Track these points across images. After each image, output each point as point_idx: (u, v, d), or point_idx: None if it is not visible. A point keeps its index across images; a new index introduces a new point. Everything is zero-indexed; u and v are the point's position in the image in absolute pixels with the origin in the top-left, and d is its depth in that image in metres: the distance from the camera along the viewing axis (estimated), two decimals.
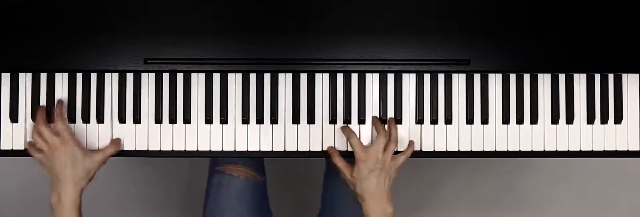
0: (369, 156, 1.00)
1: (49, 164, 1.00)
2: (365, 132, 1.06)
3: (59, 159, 0.99)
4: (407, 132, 1.06)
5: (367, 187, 0.99)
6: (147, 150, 1.06)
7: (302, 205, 1.75)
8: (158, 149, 1.06)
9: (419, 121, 1.06)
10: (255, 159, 1.22)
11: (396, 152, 1.04)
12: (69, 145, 0.99)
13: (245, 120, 1.06)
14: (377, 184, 0.99)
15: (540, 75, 1.07)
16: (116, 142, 1.04)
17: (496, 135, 1.07)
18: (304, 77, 1.06)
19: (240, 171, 1.18)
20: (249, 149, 1.06)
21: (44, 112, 1.03)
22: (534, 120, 1.07)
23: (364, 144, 1.04)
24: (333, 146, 1.06)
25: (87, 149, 1.03)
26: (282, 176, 1.77)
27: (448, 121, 1.06)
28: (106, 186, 1.79)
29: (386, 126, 1.05)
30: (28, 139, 1.05)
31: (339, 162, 1.03)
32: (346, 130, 1.04)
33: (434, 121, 1.06)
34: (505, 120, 1.07)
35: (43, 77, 1.06)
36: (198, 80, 1.06)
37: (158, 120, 1.06)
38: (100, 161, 1.02)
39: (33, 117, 1.05)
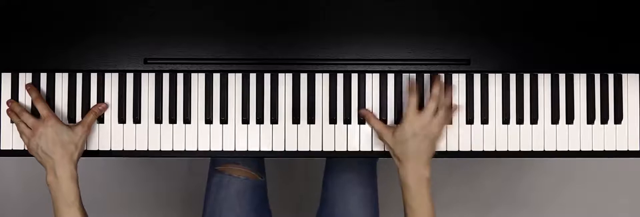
0: (418, 119, 0.98)
1: (37, 146, 0.99)
2: (365, 132, 1.06)
3: (44, 137, 0.98)
4: None
5: (406, 149, 0.97)
6: (147, 150, 1.06)
7: (301, 205, 1.75)
8: (158, 149, 1.06)
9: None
10: (255, 159, 1.22)
11: None
12: (49, 121, 0.99)
13: (245, 120, 1.06)
14: (418, 148, 0.97)
15: (540, 75, 1.07)
16: (95, 109, 1.03)
17: (496, 135, 1.07)
18: (304, 77, 1.06)
19: (240, 171, 1.18)
20: (249, 149, 1.06)
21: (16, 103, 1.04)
22: (534, 120, 1.07)
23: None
24: (367, 108, 1.04)
25: (67, 123, 1.02)
26: (282, 175, 1.77)
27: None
28: (106, 186, 1.79)
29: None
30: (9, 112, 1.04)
31: (377, 124, 1.02)
32: (412, 87, 1.01)
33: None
34: (505, 120, 1.07)
35: (43, 77, 1.06)
36: (198, 80, 1.06)
37: (158, 120, 1.06)
38: (84, 131, 1.01)
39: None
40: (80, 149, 1.01)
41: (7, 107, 1.04)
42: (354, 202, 1.18)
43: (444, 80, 1.05)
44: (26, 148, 1.02)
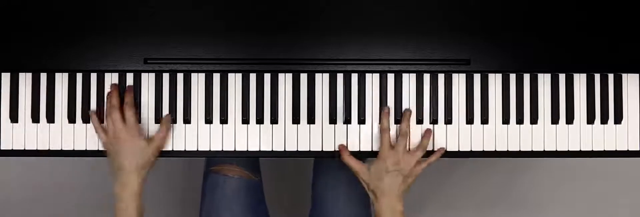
0: (390, 156, 1.00)
1: (114, 152, 1.00)
2: (365, 132, 1.06)
3: (125, 149, 0.99)
4: None
5: (381, 186, 1.00)
6: None
7: (297, 204, 1.75)
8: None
9: (419, 121, 1.06)
10: (251, 159, 1.22)
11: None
12: (136, 138, 1.00)
13: (245, 120, 1.06)
14: (391, 185, 1.00)
15: (540, 75, 1.07)
16: (165, 121, 1.03)
17: (496, 135, 1.07)
18: (304, 77, 1.06)
19: (235, 171, 1.18)
20: (249, 149, 1.06)
21: (117, 96, 1.03)
22: (534, 120, 1.07)
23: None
24: (343, 144, 1.06)
25: (147, 138, 1.03)
26: (278, 175, 1.77)
27: (448, 121, 1.06)
28: (106, 185, 1.79)
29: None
30: (92, 114, 1.04)
31: (350, 160, 1.03)
32: (384, 123, 1.03)
33: (434, 121, 1.06)
34: (505, 120, 1.07)
35: (43, 77, 1.06)
36: (198, 80, 1.06)
37: (158, 120, 1.06)
38: (159, 147, 1.02)
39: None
40: (152, 164, 1.02)
41: (91, 112, 1.04)
42: (343, 201, 1.19)
43: (411, 117, 1.06)
44: (103, 147, 1.03)
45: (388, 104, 1.06)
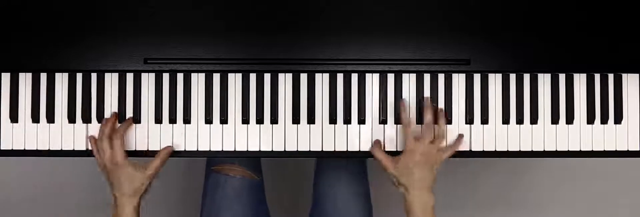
0: (417, 148, 0.99)
1: (107, 175, 1.02)
2: (365, 132, 1.06)
3: (116, 177, 1.01)
4: None
5: (411, 179, 0.99)
6: (148, 150, 1.06)
7: (298, 204, 1.75)
8: (158, 149, 1.06)
9: (419, 121, 1.06)
10: (252, 159, 1.22)
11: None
12: (124, 167, 1.00)
13: (245, 120, 1.06)
14: (422, 177, 0.99)
15: (540, 75, 1.07)
16: (162, 154, 1.04)
17: (496, 135, 1.07)
18: (304, 77, 1.06)
19: (236, 171, 1.18)
20: (249, 149, 1.06)
21: (112, 126, 1.03)
22: (534, 120, 1.07)
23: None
24: (379, 139, 1.05)
25: (138, 164, 1.02)
26: (279, 175, 1.77)
27: (448, 121, 1.06)
28: (106, 186, 1.79)
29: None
30: (91, 139, 1.05)
31: (380, 154, 1.02)
32: (404, 117, 1.03)
33: (434, 121, 1.06)
34: (505, 120, 1.07)
35: (43, 77, 1.06)
36: (198, 80, 1.06)
37: (158, 120, 1.06)
38: (151, 176, 1.03)
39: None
40: (145, 188, 1.03)
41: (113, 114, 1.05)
42: (344, 201, 1.19)
43: (434, 104, 1.05)
44: (98, 165, 1.04)
45: (388, 104, 1.06)
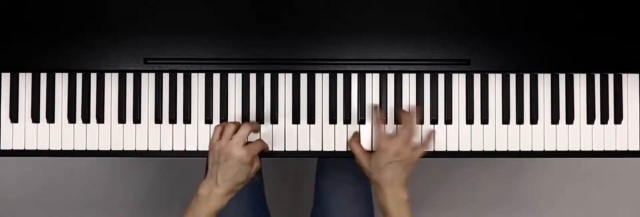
0: (390, 147, 0.98)
1: (216, 161, 0.96)
2: (365, 132, 1.06)
3: (230, 167, 0.95)
4: None
5: (383, 176, 0.98)
6: (147, 150, 1.06)
7: (298, 204, 1.75)
8: (158, 149, 1.06)
9: (419, 120, 1.06)
10: None
11: None
12: (248, 165, 0.96)
13: (245, 120, 1.06)
14: (394, 175, 0.98)
15: (540, 75, 1.07)
16: (262, 145, 1.00)
17: (496, 135, 1.07)
18: (304, 77, 1.06)
19: None
20: None
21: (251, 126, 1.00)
22: (534, 120, 1.07)
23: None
24: (357, 131, 1.05)
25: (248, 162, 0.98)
26: (279, 174, 1.77)
27: (448, 121, 1.06)
28: (106, 185, 1.79)
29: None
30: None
31: (357, 149, 1.02)
32: (376, 115, 1.03)
33: (434, 121, 1.06)
34: (505, 120, 1.07)
35: (43, 77, 1.06)
36: (198, 80, 1.06)
37: (158, 120, 1.06)
38: (254, 173, 0.99)
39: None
40: (241, 188, 0.99)
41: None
42: (346, 200, 1.19)
43: (413, 105, 1.05)
44: (209, 145, 0.99)
45: (388, 104, 1.06)
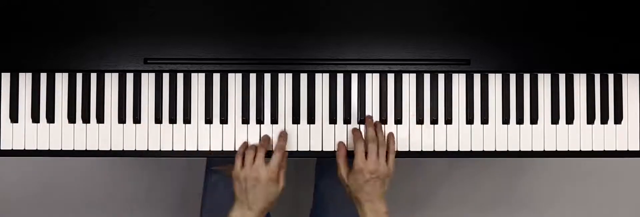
0: (366, 167, 0.99)
1: (244, 188, 0.99)
2: (365, 133, 1.06)
3: (259, 191, 0.98)
4: (407, 132, 1.06)
5: (360, 192, 1.00)
6: (147, 150, 1.06)
7: (298, 203, 1.75)
8: (158, 149, 1.06)
9: (419, 121, 1.06)
10: None
11: None
12: (276, 183, 0.99)
13: (245, 120, 1.06)
14: (372, 190, 0.99)
15: (540, 75, 1.07)
16: (281, 173, 1.01)
17: (496, 135, 1.07)
18: (304, 77, 1.06)
19: None
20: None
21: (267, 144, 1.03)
22: (534, 120, 1.07)
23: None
24: (343, 142, 1.05)
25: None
26: None
27: (448, 121, 1.06)
28: (106, 185, 1.79)
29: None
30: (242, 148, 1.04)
31: (341, 161, 1.03)
32: (356, 134, 1.03)
33: (434, 121, 1.06)
34: (505, 120, 1.07)
35: (43, 77, 1.06)
36: (198, 80, 1.06)
37: (158, 120, 1.06)
38: (282, 189, 1.01)
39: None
40: (272, 207, 1.01)
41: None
42: (346, 201, 1.18)
43: (376, 121, 1.05)
44: (233, 175, 1.00)
45: (388, 104, 1.06)
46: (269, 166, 0.99)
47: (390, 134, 1.05)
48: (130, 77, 1.06)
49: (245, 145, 1.04)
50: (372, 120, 1.05)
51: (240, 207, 0.99)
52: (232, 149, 1.06)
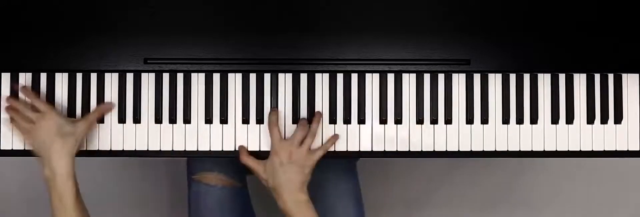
0: (282, 149, 0.99)
1: (36, 139, 0.98)
2: (365, 132, 1.06)
3: (45, 131, 0.97)
4: (407, 132, 1.06)
5: (278, 180, 0.98)
6: (147, 150, 1.06)
7: None
8: (158, 149, 1.06)
9: (419, 120, 1.06)
10: (233, 165, 1.19)
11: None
12: (51, 115, 0.99)
13: (245, 120, 1.06)
14: (289, 177, 0.97)
15: (540, 75, 1.07)
16: (102, 108, 1.03)
17: (496, 135, 1.07)
18: (304, 77, 1.06)
19: (216, 180, 1.16)
20: (249, 149, 1.06)
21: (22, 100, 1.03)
22: (534, 120, 1.07)
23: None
24: (243, 145, 1.05)
25: (68, 117, 1.02)
26: None
27: (448, 121, 1.06)
28: (106, 185, 1.79)
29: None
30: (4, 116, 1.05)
31: (248, 161, 1.02)
32: (272, 119, 1.02)
33: (434, 121, 1.06)
34: (505, 120, 1.07)
35: (43, 77, 1.06)
36: (198, 80, 1.06)
37: (158, 120, 1.06)
38: (87, 126, 1.00)
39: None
40: (79, 144, 0.99)
41: (7, 104, 1.04)
42: (335, 197, 1.18)
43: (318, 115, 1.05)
44: (27, 145, 1.02)
45: (388, 104, 1.06)
46: (41, 112, 0.99)
47: (335, 136, 1.05)
48: (130, 77, 1.06)
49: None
50: (321, 115, 1.04)
51: (43, 162, 0.96)
52: (232, 149, 1.06)
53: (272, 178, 0.99)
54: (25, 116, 1.01)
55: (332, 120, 1.06)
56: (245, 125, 1.06)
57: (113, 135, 1.06)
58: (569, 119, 1.07)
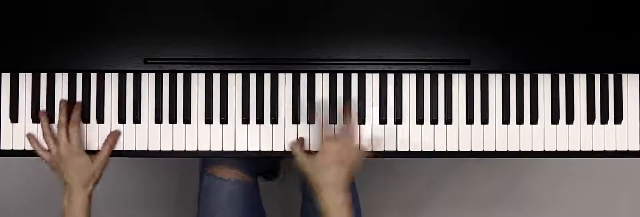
0: (330, 147, 0.98)
1: (57, 169, 1.02)
2: (365, 132, 1.06)
3: (68, 165, 1.00)
4: (407, 132, 1.06)
5: (322, 178, 0.97)
6: (147, 150, 1.06)
7: (297, 204, 1.75)
8: (158, 149, 1.06)
9: (419, 120, 1.06)
10: (247, 160, 1.20)
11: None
12: (79, 154, 1.01)
13: (245, 120, 1.06)
14: (333, 176, 0.97)
15: (540, 75, 1.07)
16: (110, 141, 1.04)
17: (496, 135, 1.07)
18: (304, 77, 1.06)
19: (230, 173, 1.17)
20: (249, 149, 1.06)
21: (65, 114, 1.04)
22: (534, 120, 1.07)
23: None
24: (303, 137, 1.05)
25: (88, 153, 1.03)
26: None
27: (448, 121, 1.06)
28: (105, 185, 1.79)
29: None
30: (30, 137, 1.05)
31: (299, 152, 1.01)
32: (317, 118, 1.03)
33: (434, 121, 1.06)
34: (505, 120, 1.07)
35: (43, 77, 1.06)
36: (198, 80, 1.06)
37: (158, 120, 1.06)
38: (103, 163, 1.03)
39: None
40: (97, 178, 1.03)
41: (41, 112, 1.05)
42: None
43: (354, 108, 1.05)
44: (46, 162, 1.04)
45: (388, 104, 1.06)
46: (70, 142, 1.01)
47: (378, 139, 1.05)
48: (130, 77, 1.06)
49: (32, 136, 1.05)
50: (350, 107, 1.04)
51: (64, 191, 1.01)
52: (232, 149, 1.06)
53: (316, 174, 0.98)
54: (57, 144, 1.02)
55: (332, 120, 1.06)
56: (245, 125, 1.06)
57: None
58: (569, 119, 1.07)
